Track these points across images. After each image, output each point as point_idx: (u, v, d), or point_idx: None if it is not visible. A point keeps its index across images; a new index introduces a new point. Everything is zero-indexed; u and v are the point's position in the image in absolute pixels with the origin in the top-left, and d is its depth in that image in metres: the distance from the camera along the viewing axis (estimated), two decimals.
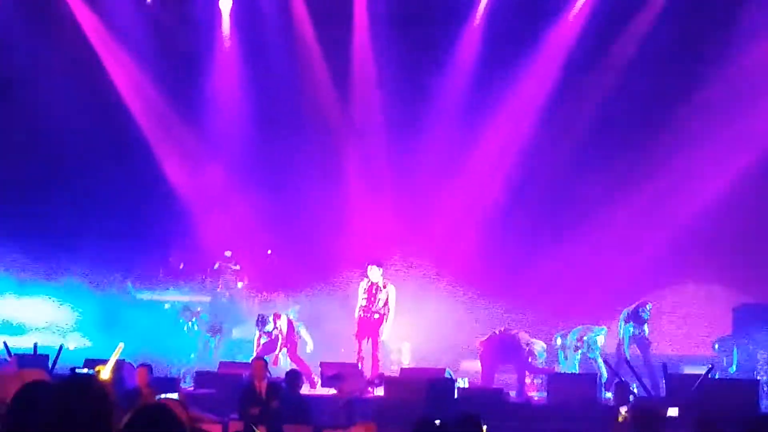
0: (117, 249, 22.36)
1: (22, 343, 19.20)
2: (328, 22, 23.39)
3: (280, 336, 19.37)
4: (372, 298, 19.15)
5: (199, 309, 21.51)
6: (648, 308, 18.96)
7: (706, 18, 21.40)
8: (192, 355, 21.00)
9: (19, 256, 21.71)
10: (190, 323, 21.08)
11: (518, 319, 19.88)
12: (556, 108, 22.58)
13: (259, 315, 19.90)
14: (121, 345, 13.05)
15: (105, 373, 9.27)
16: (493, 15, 22.76)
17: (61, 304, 21.94)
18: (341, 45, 23.43)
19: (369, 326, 19.13)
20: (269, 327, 19.40)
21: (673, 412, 10.42)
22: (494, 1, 22.83)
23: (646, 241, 21.42)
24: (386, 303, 19.15)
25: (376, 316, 19.12)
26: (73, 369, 14.47)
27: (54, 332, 21.36)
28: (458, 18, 22.97)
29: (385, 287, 19.21)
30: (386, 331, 19.18)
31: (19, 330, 21.44)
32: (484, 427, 9.06)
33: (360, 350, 19.08)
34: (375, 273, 19.18)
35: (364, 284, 19.28)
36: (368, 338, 19.12)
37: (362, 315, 19.16)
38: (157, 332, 21.33)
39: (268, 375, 15.62)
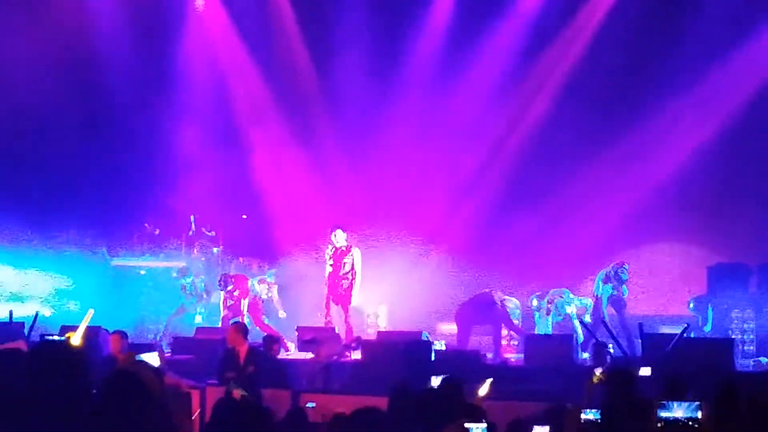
0: (91, 216, 22.32)
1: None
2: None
3: (242, 299, 19.49)
4: (338, 263, 19.14)
5: (201, 276, 21.34)
6: (626, 268, 19.02)
7: None
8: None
9: None
10: (187, 286, 20.84)
11: (494, 281, 19.88)
12: (526, 73, 22.58)
13: (221, 276, 19.98)
14: (91, 311, 13.03)
15: (75, 339, 9.23)
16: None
17: (37, 272, 21.81)
18: (315, 11, 23.31)
19: (337, 292, 19.15)
20: (230, 287, 19.51)
21: (645, 371, 10.46)
22: None
23: (620, 201, 21.44)
24: (353, 266, 19.15)
25: (344, 281, 19.13)
26: (43, 336, 14.40)
27: (30, 300, 21.27)
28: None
29: (350, 251, 19.18)
30: (355, 295, 19.20)
31: None
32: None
33: (328, 315, 19.09)
34: (340, 237, 19.15)
35: (329, 250, 19.23)
36: (339, 304, 19.15)
37: (330, 281, 19.15)
38: (133, 299, 21.33)
39: (248, 340, 15.57)
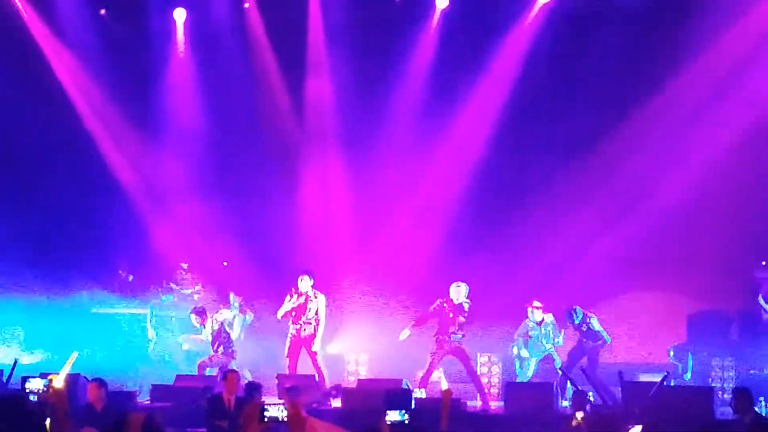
0: (73, 261, 22.30)
1: None
2: (283, 31, 23.39)
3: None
4: (303, 309, 19.13)
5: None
6: (574, 314, 18.94)
7: (667, 20, 21.57)
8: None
9: None
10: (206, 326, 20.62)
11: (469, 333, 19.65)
12: (512, 113, 22.63)
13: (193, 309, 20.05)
14: (75, 354, 12.93)
15: (58, 381, 9.16)
16: (449, 20, 22.83)
17: (16, 318, 21.72)
18: (297, 53, 23.40)
19: (301, 339, 19.09)
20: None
21: (635, 431, 10.44)
22: (451, 7, 22.89)
23: (603, 247, 21.51)
24: (317, 312, 19.14)
25: (308, 326, 19.08)
26: (25, 378, 14.31)
27: (8, 347, 21.18)
28: (414, 23, 22.98)
29: (315, 297, 19.18)
30: (318, 342, 19.15)
31: None
32: None
33: (293, 367, 19.00)
34: (306, 283, 19.15)
35: (294, 297, 19.13)
36: (302, 349, 19.10)
37: (294, 330, 19.11)
38: (114, 346, 21.23)
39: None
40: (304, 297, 19.06)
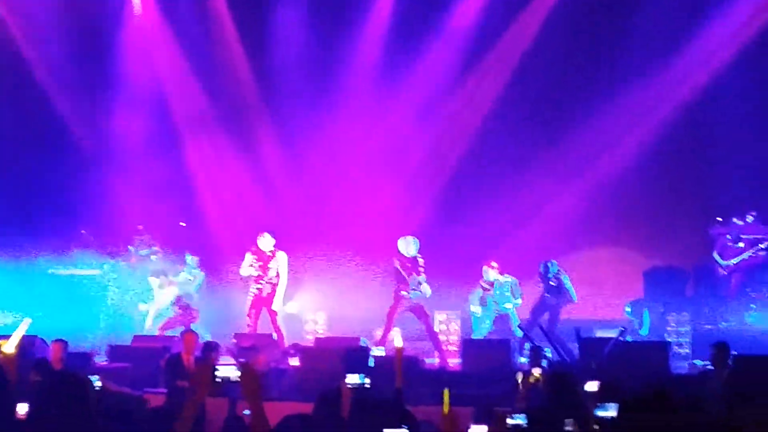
0: (27, 221, 22.16)
1: None
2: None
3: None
4: (264, 268, 19.11)
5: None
6: (550, 266, 19.07)
7: None
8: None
9: None
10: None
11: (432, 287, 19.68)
12: (466, 77, 22.64)
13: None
14: (28, 320, 12.88)
15: (8, 347, 9.12)
16: None
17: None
18: (255, 20, 23.25)
19: (262, 297, 19.11)
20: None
21: (592, 386, 10.51)
22: None
23: (558, 204, 21.59)
24: (277, 272, 19.14)
25: (268, 285, 19.08)
26: None
27: None
28: None
29: (274, 255, 19.15)
30: (278, 301, 19.17)
31: None
32: None
33: (254, 326, 19.00)
34: (267, 242, 19.10)
35: (250, 257, 19.13)
36: (263, 308, 19.11)
37: (255, 289, 19.10)
38: (70, 306, 21.09)
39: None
40: (265, 256, 19.02)
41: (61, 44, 23.02)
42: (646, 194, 21.74)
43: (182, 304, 19.71)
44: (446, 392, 6.51)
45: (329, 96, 22.74)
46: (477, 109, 22.64)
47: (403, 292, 18.62)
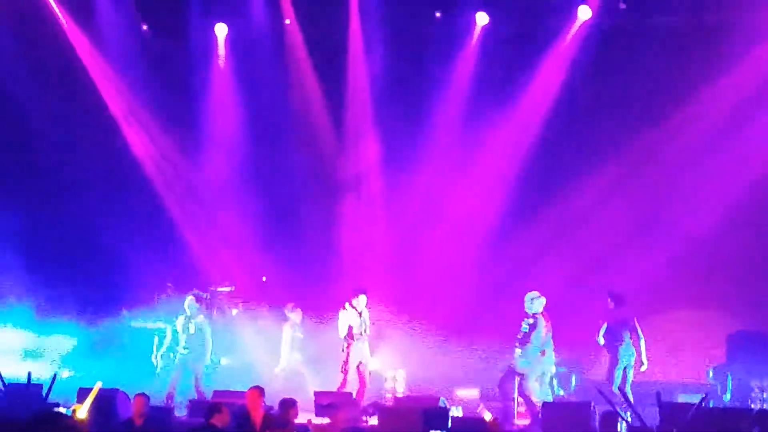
0: (112, 276, 22.47)
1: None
2: (323, 50, 23.48)
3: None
4: (362, 325, 19.21)
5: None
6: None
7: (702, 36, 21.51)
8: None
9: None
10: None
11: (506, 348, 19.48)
12: (549, 132, 22.62)
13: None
14: (99, 384, 13.09)
15: (82, 412, 9.31)
16: (487, 44, 22.83)
17: (56, 332, 21.86)
18: (336, 72, 23.48)
19: (360, 352, 19.18)
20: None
21: None
22: (491, 24, 22.88)
23: (643, 263, 21.37)
24: (366, 329, 19.28)
25: (365, 341, 19.19)
26: (56, 405, 14.35)
27: (50, 361, 21.31)
28: (453, 46, 23.00)
29: (362, 314, 19.28)
30: (368, 356, 19.35)
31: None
32: None
33: (344, 382, 19.06)
34: (363, 301, 19.21)
35: (351, 313, 19.21)
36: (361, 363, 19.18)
37: (352, 342, 19.16)
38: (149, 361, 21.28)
39: (264, 404, 15.48)
40: (359, 313, 19.17)
41: (149, 97, 23.43)
42: (731, 255, 21.44)
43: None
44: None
45: (410, 158, 22.84)
46: (555, 169, 22.57)
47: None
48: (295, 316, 20.60)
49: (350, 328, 19.14)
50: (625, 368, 18.65)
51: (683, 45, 21.62)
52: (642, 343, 18.70)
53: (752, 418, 13.66)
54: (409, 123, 23.06)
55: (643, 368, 18.68)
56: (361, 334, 19.15)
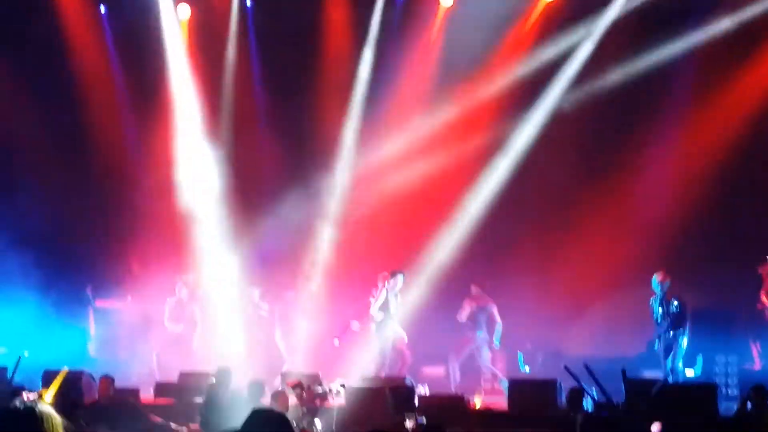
0: (76, 255, 22.34)
1: None
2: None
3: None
4: (397, 306, 19.82)
5: None
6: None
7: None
8: None
9: None
10: None
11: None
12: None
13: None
14: (65, 370, 13.05)
15: (48, 397, 9.44)
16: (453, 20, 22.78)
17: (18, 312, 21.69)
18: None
19: (395, 332, 19.82)
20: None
21: (655, 427, 10.44)
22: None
23: (606, 244, 21.44)
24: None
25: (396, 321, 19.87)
26: (20, 388, 14.19)
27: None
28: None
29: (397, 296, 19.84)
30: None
31: None
32: None
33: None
34: (400, 282, 19.69)
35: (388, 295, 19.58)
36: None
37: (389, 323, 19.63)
38: (116, 340, 21.22)
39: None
40: (395, 295, 19.73)
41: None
42: (691, 236, 21.50)
43: None
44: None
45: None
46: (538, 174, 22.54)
47: None
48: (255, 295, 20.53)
49: (385, 308, 19.38)
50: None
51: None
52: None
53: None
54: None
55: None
56: (394, 314, 19.50)
